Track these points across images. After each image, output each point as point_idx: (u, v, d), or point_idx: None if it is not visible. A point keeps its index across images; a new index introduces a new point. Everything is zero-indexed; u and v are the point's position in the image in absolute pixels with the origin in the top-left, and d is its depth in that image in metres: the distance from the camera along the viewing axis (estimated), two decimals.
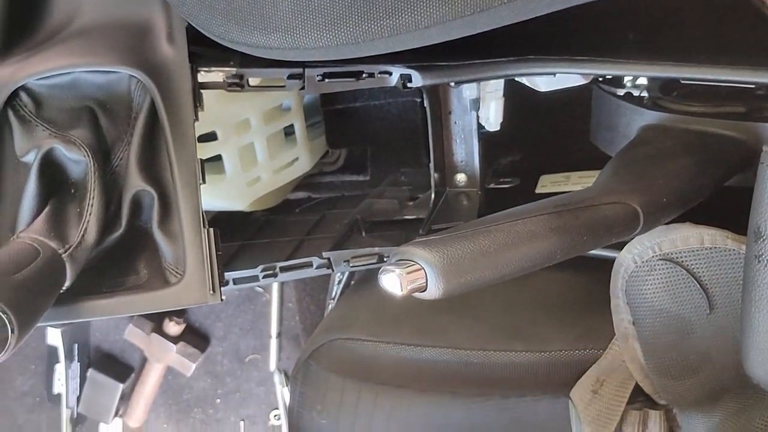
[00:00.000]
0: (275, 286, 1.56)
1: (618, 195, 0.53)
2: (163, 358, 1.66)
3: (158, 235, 0.62)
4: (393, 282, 0.47)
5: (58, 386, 1.73)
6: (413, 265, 0.47)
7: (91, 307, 0.61)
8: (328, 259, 0.72)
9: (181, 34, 0.63)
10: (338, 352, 0.77)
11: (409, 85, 0.65)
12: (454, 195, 0.81)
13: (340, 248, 0.75)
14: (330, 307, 1.10)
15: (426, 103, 0.77)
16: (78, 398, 1.73)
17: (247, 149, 0.83)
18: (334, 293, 1.07)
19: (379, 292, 0.68)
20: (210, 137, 0.79)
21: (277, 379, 1.63)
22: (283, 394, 1.61)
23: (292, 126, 0.87)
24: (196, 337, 1.67)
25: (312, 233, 0.85)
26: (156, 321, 1.65)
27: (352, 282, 1.05)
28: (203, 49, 0.65)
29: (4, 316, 0.49)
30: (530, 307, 0.77)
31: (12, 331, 0.49)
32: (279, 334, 1.61)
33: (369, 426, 0.78)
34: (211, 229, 0.61)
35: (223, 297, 0.62)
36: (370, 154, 0.99)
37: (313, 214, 0.93)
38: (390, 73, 0.65)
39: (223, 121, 0.79)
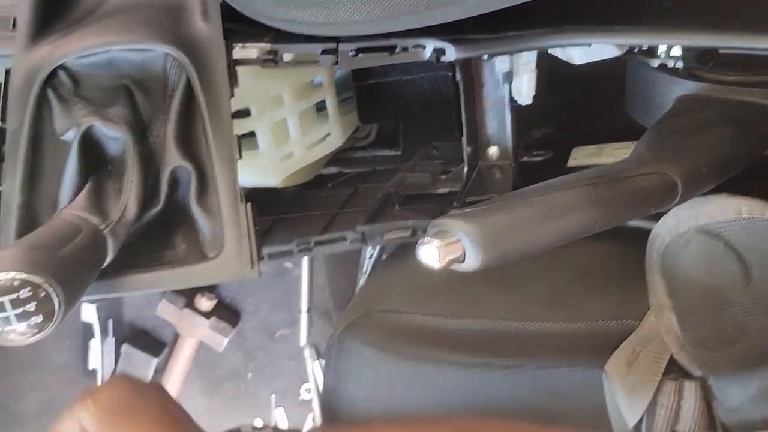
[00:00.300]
0: (305, 262, 1.57)
1: (655, 165, 0.53)
2: (195, 333, 1.68)
3: (196, 210, 0.63)
4: (431, 254, 0.48)
5: (94, 361, 1.76)
6: (451, 237, 0.47)
7: (131, 281, 0.62)
8: (362, 233, 0.73)
9: (215, 11, 0.64)
10: (373, 324, 0.78)
11: (442, 58, 0.65)
12: (487, 168, 0.81)
13: (374, 222, 0.75)
14: (361, 281, 1.10)
15: (459, 77, 0.77)
16: (113, 373, 1.76)
17: (280, 125, 0.83)
18: (365, 268, 1.08)
19: (413, 264, 0.68)
20: (243, 114, 0.80)
21: (308, 353, 1.64)
22: (313, 368, 1.63)
23: (323, 101, 0.88)
24: (227, 313, 1.69)
25: (345, 207, 0.85)
26: (188, 297, 1.67)
27: (384, 256, 1.06)
28: (237, 26, 0.66)
29: (50, 290, 0.50)
30: (567, 278, 0.77)
31: (59, 305, 0.50)
32: (309, 309, 1.63)
33: (405, 399, 0.78)
34: (249, 204, 0.62)
35: (261, 272, 0.62)
36: (401, 128, 0.99)
37: (345, 189, 0.93)
38: (423, 47, 0.65)
39: (257, 98, 0.80)
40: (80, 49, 0.62)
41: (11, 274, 0.49)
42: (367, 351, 0.78)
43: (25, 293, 0.49)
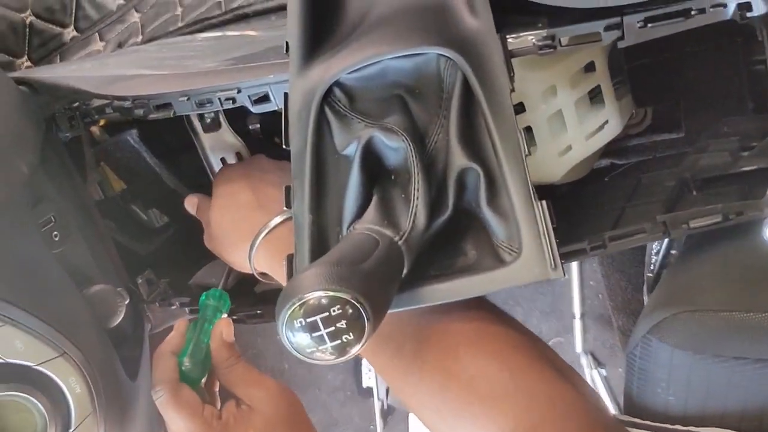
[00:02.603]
0: (575, 265, 1.50)
1: None
2: None
3: (487, 212, 0.60)
4: None
5: (367, 380, 1.80)
6: None
7: (428, 292, 0.60)
8: (664, 222, 0.66)
9: (483, 4, 0.61)
10: (684, 325, 0.70)
11: (748, 15, 0.57)
12: None
13: (674, 210, 0.68)
14: (648, 280, 1.02)
15: (764, 37, 0.67)
16: (387, 390, 1.79)
17: (555, 117, 0.79)
18: (652, 265, 0.99)
19: (724, 256, 0.59)
20: (517, 110, 0.76)
21: (585, 361, 1.57)
22: (592, 376, 1.55)
23: (595, 89, 0.81)
24: None
25: (632, 200, 0.79)
26: None
27: (672, 251, 0.97)
28: (506, 17, 0.62)
29: (358, 306, 0.49)
30: None
31: (368, 320, 0.49)
32: (583, 315, 1.55)
33: (724, 399, 0.70)
34: (543, 202, 0.58)
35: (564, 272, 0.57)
36: (683, 108, 0.91)
37: (626, 181, 0.86)
38: (724, 5, 0.57)
39: (529, 91, 0.76)
40: (353, 63, 0.62)
41: (319, 293, 0.49)
42: (677, 354, 0.70)
43: (335, 311, 0.49)
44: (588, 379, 1.55)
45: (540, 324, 1.63)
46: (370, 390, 1.78)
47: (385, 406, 1.79)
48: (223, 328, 0.77)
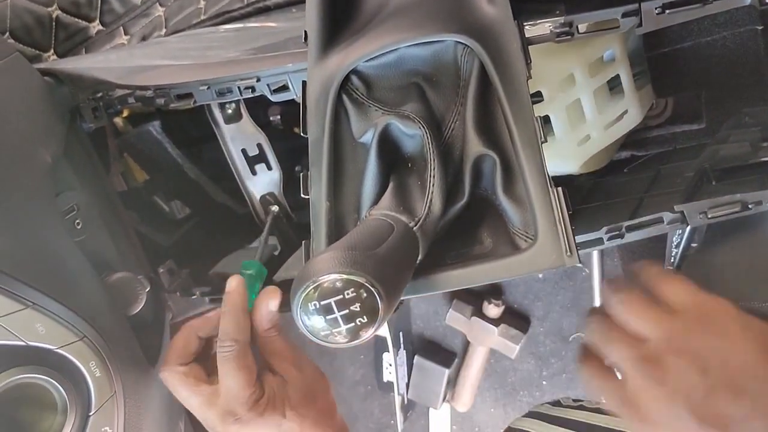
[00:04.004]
0: (595, 260, 1.49)
1: None
2: (486, 341, 1.66)
3: (503, 200, 0.60)
4: None
5: (388, 374, 1.80)
6: None
7: (444, 278, 0.60)
8: (681, 212, 0.65)
9: None
10: None
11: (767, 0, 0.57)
12: None
13: (692, 200, 0.67)
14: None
15: None
16: (407, 385, 1.79)
17: (574, 106, 0.78)
18: (672, 258, 0.98)
19: (743, 247, 0.59)
20: (535, 98, 0.76)
21: None
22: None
23: (614, 79, 0.81)
24: (516, 319, 1.64)
25: (650, 191, 0.78)
26: (475, 304, 1.65)
27: (693, 244, 0.96)
28: (523, 4, 0.62)
29: (372, 290, 0.49)
30: None
31: (381, 305, 0.50)
32: None
33: None
34: (559, 189, 0.58)
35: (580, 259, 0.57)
36: (704, 98, 0.90)
37: (645, 172, 0.85)
38: None
39: (547, 80, 0.76)
40: (371, 51, 0.62)
41: (333, 276, 0.49)
42: None
43: (349, 294, 0.49)
44: None
45: (561, 319, 1.62)
46: (390, 385, 1.77)
47: (405, 401, 1.79)
48: (271, 296, 0.75)
